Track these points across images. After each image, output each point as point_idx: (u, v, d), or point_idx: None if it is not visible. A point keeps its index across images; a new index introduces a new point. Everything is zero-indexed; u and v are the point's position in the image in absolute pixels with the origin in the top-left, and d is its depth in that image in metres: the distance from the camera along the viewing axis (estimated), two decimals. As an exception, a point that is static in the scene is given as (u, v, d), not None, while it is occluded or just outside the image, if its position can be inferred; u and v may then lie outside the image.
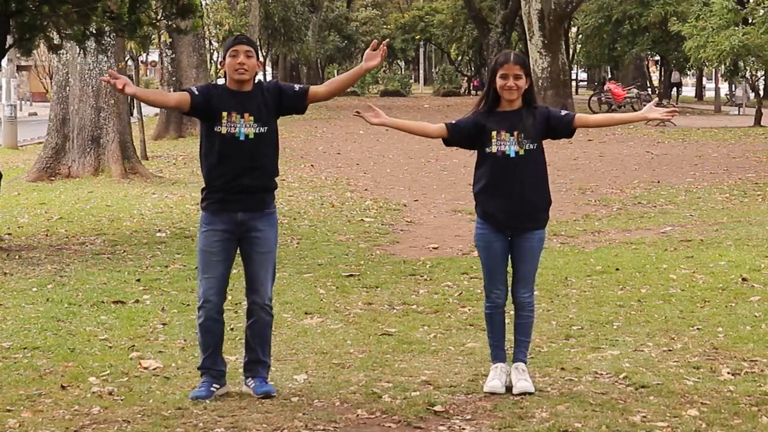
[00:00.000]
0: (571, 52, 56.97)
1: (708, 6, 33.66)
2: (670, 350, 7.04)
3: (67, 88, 19.41)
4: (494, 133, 6.10)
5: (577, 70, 75.16)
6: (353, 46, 72.54)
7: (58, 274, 10.06)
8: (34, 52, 15.98)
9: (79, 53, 17.74)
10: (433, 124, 6.33)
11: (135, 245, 11.90)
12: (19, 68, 47.80)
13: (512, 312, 6.31)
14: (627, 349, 7.06)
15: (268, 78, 64.78)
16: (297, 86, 6.24)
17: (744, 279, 9.36)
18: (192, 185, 17.88)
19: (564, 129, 6.20)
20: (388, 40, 6.62)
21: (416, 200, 16.29)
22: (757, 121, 33.77)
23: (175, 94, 6.42)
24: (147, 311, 8.37)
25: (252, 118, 6.00)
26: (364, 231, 13.04)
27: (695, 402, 5.89)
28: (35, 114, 47.60)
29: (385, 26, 76.20)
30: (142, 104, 29.38)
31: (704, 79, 63.18)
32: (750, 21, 32.79)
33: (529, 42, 36.57)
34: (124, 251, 11.50)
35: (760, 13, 31.69)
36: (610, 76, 62.67)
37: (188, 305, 8.40)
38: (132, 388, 6.21)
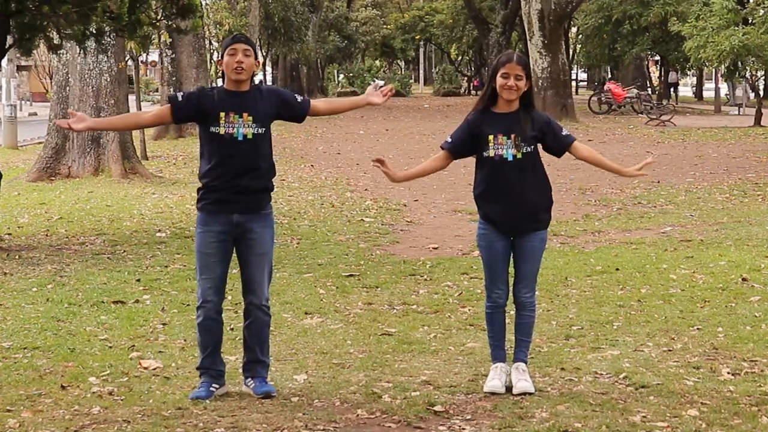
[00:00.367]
0: (571, 52, 56.93)
1: (708, 6, 33.65)
2: (670, 350, 7.04)
3: (67, 88, 19.39)
4: (491, 137, 6.07)
5: (577, 70, 75.11)
6: (353, 46, 72.48)
7: (58, 274, 10.06)
8: (34, 52, 15.96)
9: (79, 53, 17.74)
10: (436, 158, 6.29)
11: (135, 245, 11.90)
12: (19, 68, 47.84)
13: (513, 312, 6.32)
14: (627, 349, 7.06)
15: (268, 78, 64.87)
16: (299, 97, 6.23)
17: (744, 279, 9.36)
18: (192, 185, 17.86)
19: (557, 148, 6.18)
20: (392, 87, 6.56)
21: (416, 200, 16.28)
22: (757, 121, 33.79)
23: (150, 111, 6.43)
24: (147, 311, 8.37)
25: (251, 118, 5.98)
26: (364, 231, 13.03)
27: (695, 402, 5.88)
28: (35, 114, 47.60)
29: (385, 26, 76.16)
30: (143, 104, 29.42)
31: (704, 78, 63.19)
32: (750, 21, 32.77)
33: (529, 42, 36.54)
34: (124, 251, 11.50)
35: (760, 13, 31.66)
36: (610, 76, 62.69)
37: (188, 305, 8.39)
38: (132, 388, 6.21)
